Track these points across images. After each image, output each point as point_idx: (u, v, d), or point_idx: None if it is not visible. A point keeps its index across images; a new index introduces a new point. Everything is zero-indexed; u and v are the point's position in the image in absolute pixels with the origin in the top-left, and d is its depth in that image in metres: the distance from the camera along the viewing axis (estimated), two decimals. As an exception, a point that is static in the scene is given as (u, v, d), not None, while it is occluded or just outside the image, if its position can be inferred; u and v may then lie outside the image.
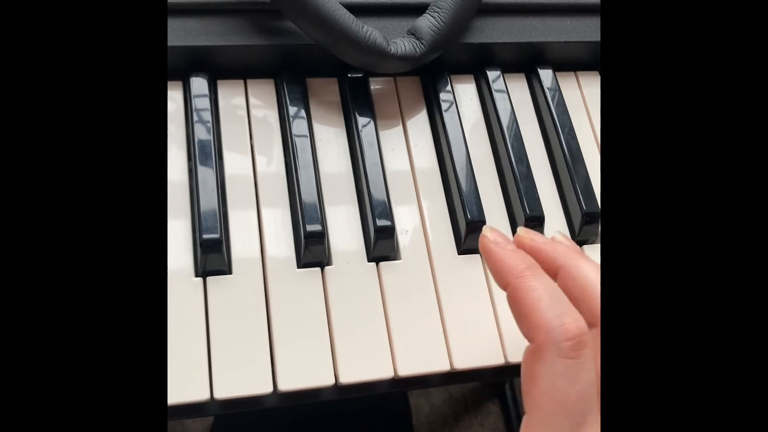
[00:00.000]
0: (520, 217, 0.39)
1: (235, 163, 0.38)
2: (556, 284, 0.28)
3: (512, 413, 0.99)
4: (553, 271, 0.29)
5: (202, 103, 0.38)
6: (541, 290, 0.27)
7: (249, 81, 0.41)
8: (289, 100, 0.39)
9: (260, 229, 0.37)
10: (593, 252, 0.40)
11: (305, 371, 0.34)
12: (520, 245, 0.30)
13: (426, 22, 0.38)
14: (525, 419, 0.27)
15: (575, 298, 0.28)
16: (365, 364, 0.35)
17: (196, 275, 0.35)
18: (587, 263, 0.29)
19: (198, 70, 0.39)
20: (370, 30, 0.37)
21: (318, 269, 0.36)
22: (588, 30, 0.44)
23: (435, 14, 0.39)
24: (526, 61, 0.44)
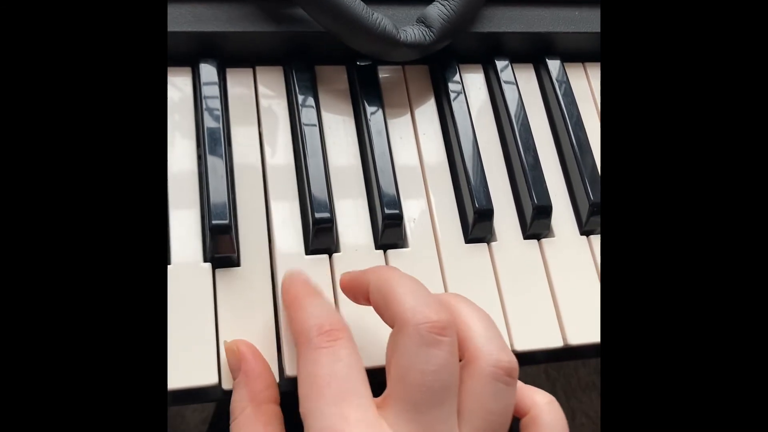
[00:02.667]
0: (528, 207, 0.39)
1: (244, 150, 0.38)
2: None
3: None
4: (366, 291, 0.31)
5: (211, 91, 0.38)
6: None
7: (258, 68, 0.40)
8: (298, 88, 0.39)
9: (268, 216, 0.37)
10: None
11: (313, 357, 0.34)
12: (342, 285, 0.33)
13: (436, 11, 0.38)
14: None
15: (380, 307, 0.30)
16: (371, 352, 0.35)
17: (205, 261, 0.35)
18: (392, 273, 0.30)
19: (207, 57, 0.39)
20: (380, 17, 0.37)
21: (326, 256, 0.36)
22: (596, 21, 0.44)
23: (445, 2, 0.38)
24: (534, 51, 0.44)
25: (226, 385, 0.33)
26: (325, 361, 0.28)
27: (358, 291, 0.32)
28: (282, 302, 0.33)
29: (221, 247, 0.34)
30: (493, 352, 0.28)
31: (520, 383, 0.31)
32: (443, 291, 0.37)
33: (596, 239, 0.40)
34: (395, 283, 0.29)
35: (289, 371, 0.33)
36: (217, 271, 0.35)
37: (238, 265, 0.35)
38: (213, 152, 0.36)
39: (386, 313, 0.29)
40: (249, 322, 0.34)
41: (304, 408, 0.27)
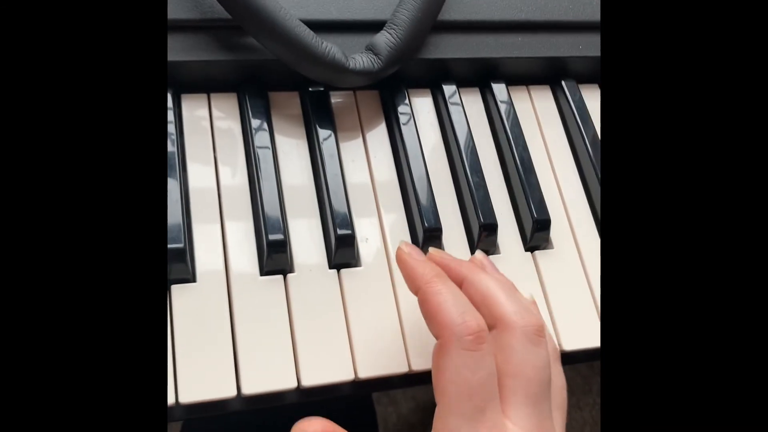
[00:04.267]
0: (475, 225, 0.41)
1: (199, 174, 0.39)
2: (459, 289, 0.32)
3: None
4: (458, 282, 0.33)
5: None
6: (446, 293, 0.31)
7: (212, 95, 0.42)
8: (252, 114, 0.40)
9: (224, 238, 0.38)
10: (546, 258, 0.42)
11: (268, 375, 0.35)
12: (431, 260, 0.34)
13: (383, 39, 0.40)
14: (436, 410, 0.30)
15: (477, 304, 0.32)
16: (327, 367, 0.36)
17: (161, 283, 0.36)
18: (487, 275, 0.33)
19: (162, 85, 0.40)
20: (329, 46, 0.38)
21: (281, 277, 0.37)
22: (538, 46, 0.46)
23: (392, 31, 0.40)
24: (480, 76, 0.46)
25: (183, 401, 0.33)
26: (474, 366, 0.29)
27: (455, 275, 0.33)
28: (405, 280, 0.33)
29: (176, 271, 0.35)
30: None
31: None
32: (395, 307, 0.38)
33: (540, 255, 0.42)
34: (494, 286, 0.32)
35: (246, 390, 0.34)
36: (174, 294, 0.35)
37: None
38: (168, 176, 0.37)
39: (484, 310, 0.31)
40: (205, 342, 0.35)
41: (444, 405, 0.29)
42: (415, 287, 0.32)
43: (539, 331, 0.31)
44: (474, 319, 0.30)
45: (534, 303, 0.35)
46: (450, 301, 0.30)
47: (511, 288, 0.33)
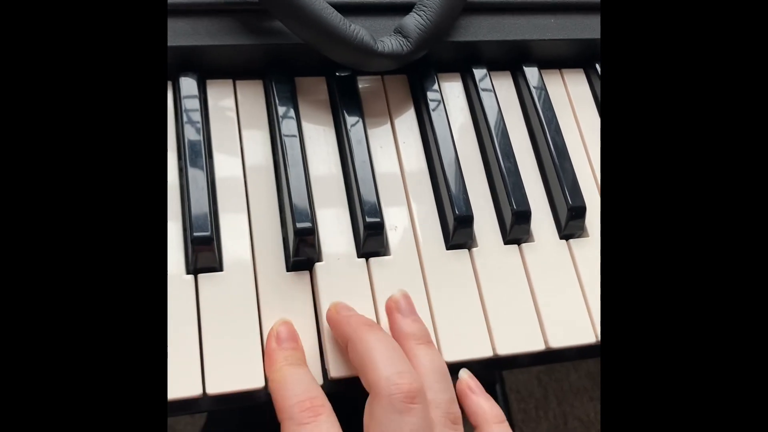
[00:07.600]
0: (507, 212, 0.39)
1: (225, 162, 0.39)
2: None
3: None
4: (345, 341, 0.33)
5: (191, 104, 0.39)
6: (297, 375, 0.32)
7: (238, 81, 0.41)
8: (278, 100, 0.40)
9: (250, 227, 0.37)
10: (581, 246, 0.40)
11: (297, 366, 0.34)
12: (328, 314, 0.35)
13: (413, 21, 0.39)
14: None
15: (357, 368, 0.32)
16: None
17: (188, 273, 0.35)
18: (371, 335, 0.32)
19: (187, 70, 0.39)
20: (357, 28, 0.37)
21: (306, 269, 0.37)
22: (572, 28, 0.44)
23: (421, 12, 0.39)
24: (511, 59, 0.45)
25: (211, 393, 0.33)
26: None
27: (339, 336, 0.34)
28: (265, 371, 0.34)
29: (203, 259, 0.35)
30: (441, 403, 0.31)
31: (479, 392, 0.35)
32: (425, 298, 0.37)
33: (576, 243, 0.40)
34: (371, 347, 0.31)
35: (273, 380, 0.34)
36: (200, 283, 0.35)
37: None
38: (194, 164, 0.36)
39: (362, 376, 0.31)
40: (233, 332, 0.34)
41: None
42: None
43: (409, 398, 0.29)
44: (310, 401, 0.30)
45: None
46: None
47: (396, 347, 0.32)
